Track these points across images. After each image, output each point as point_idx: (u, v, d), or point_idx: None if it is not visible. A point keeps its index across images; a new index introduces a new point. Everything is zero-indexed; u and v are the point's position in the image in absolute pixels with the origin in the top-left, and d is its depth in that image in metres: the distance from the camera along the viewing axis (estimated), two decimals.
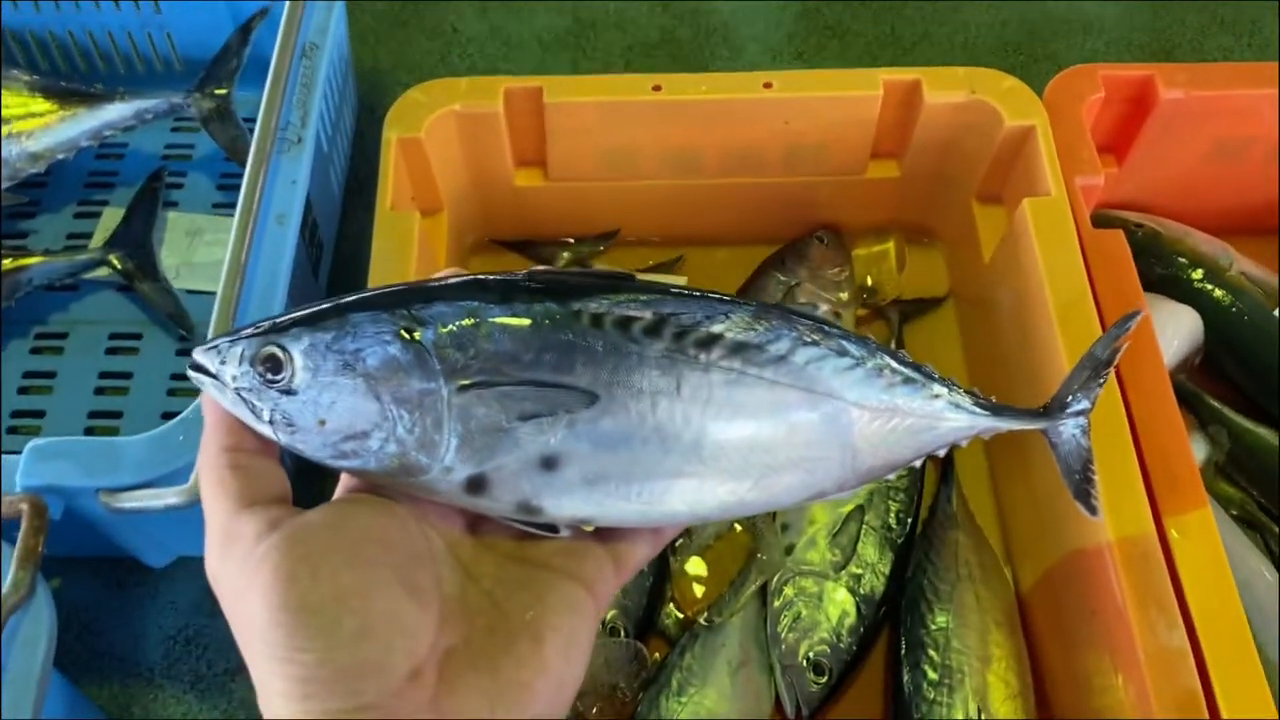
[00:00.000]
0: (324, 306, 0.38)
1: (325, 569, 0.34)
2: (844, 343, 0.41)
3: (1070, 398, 0.46)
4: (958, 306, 0.83)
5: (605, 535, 0.40)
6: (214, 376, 0.37)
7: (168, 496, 0.53)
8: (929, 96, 0.74)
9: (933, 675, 0.64)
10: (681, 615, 0.70)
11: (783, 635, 0.67)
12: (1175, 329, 0.74)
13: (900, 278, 0.83)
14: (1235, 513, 0.72)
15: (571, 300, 0.38)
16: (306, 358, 0.37)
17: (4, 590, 0.51)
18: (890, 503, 0.71)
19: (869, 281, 0.83)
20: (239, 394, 0.37)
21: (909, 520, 0.71)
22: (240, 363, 0.37)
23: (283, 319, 0.37)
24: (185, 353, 0.81)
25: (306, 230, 0.76)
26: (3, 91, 0.82)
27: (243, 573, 0.34)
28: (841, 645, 0.67)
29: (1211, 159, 0.80)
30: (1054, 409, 0.46)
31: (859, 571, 0.69)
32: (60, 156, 0.84)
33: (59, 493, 0.56)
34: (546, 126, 0.76)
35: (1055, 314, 0.65)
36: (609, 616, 0.68)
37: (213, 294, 0.62)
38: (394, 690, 0.33)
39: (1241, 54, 0.98)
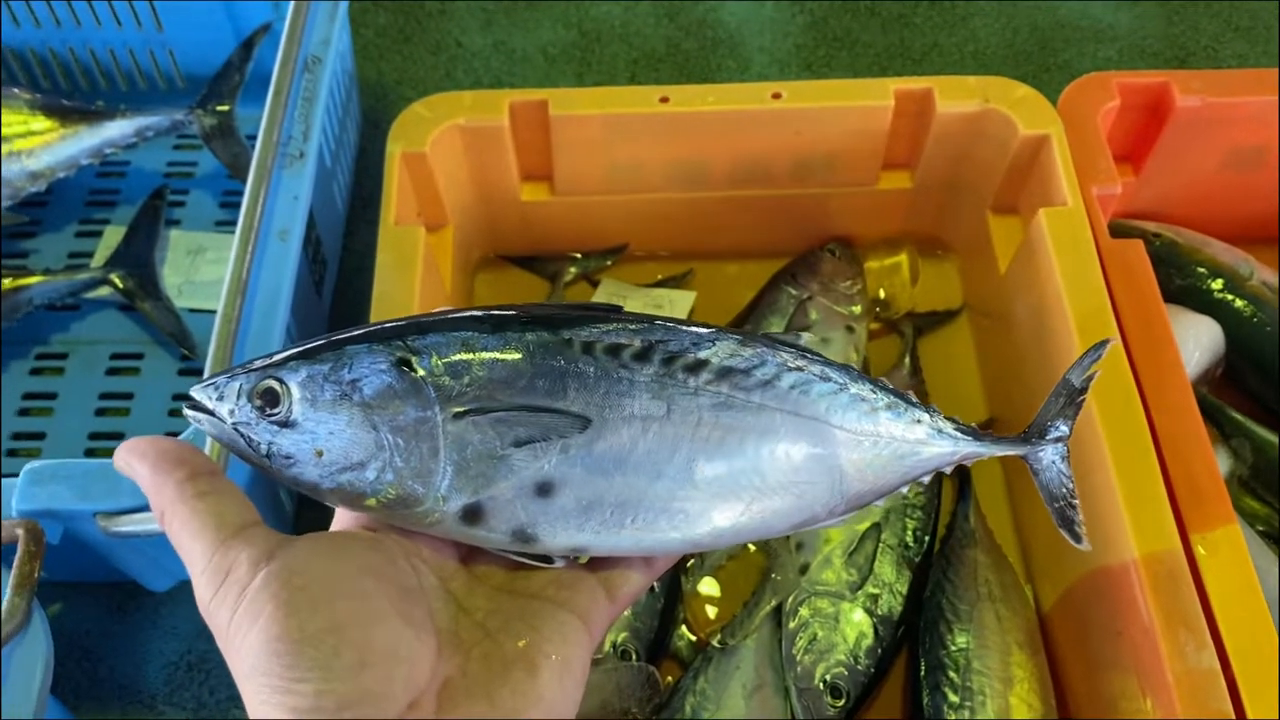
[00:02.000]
0: (319, 341, 0.38)
1: (324, 599, 0.34)
2: (826, 369, 0.42)
3: (1049, 424, 0.46)
4: (973, 319, 0.82)
5: (597, 566, 0.40)
6: (210, 413, 0.38)
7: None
8: (941, 106, 0.73)
9: (953, 698, 0.63)
10: (694, 637, 0.69)
11: (798, 657, 0.65)
12: (1195, 340, 0.73)
13: (914, 290, 0.82)
14: (1260, 528, 0.70)
15: (562, 329, 0.39)
16: (304, 389, 0.37)
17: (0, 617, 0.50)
18: (907, 520, 0.70)
19: (882, 294, 0.82)
20: (236, 429, 0.37)
21: (926, 538, 0.70)
22: (238, 398, 0.38)
23: (279, 355, 0.38)
24: (187, 372, 0.80)
25: (310, 246, 0.75)
26: (4, 110, 0.81)
27: (240, 605, 0.34)
28: (859, 667, 0.65)
29: (1229, 166, 0.78)
30: (1034, 434, 0.46)
31: (876, 591, 0.67)
32: (61, 175, 0.83)
33: (56, 516, 0.55)
34: (552, 140, 0.75)
35: (1075, 326, 0.64)
36: (620, 639, 0.66)
37: (215, 313, 0.61)
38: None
39: (1257, 60, 0.97)
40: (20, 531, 0.52)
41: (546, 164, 0.77)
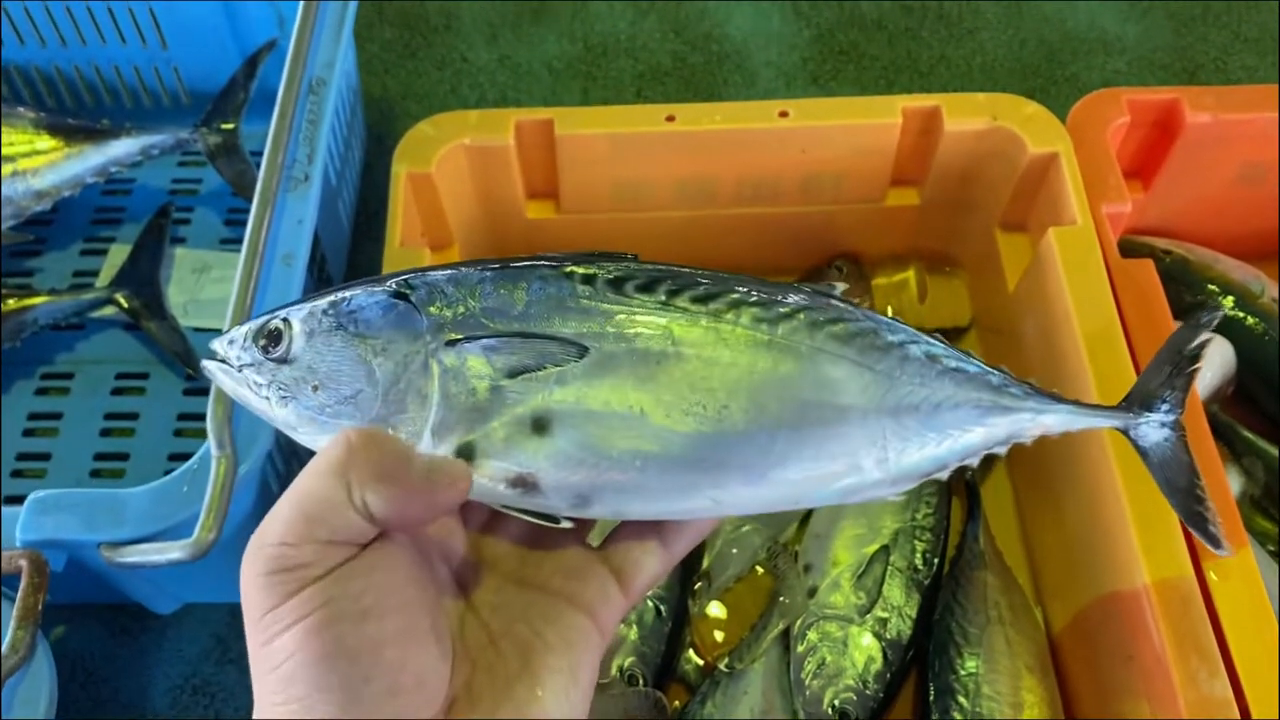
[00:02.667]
0: (330, 289, 0.39)
1: (374, 614, 0.32)
2: (868, 315, 0.39)
3: (1154, 395, 0.41)
4: (981, 337, 0.81)
5: (610, 550, 0.38)
6: (224, 361, 0.39)
7: (171, 551, 0.51)
8: (949, 124, 0.73)
9: None
10: (702, 661, 0.68)
11: (807, 682, 0.65)
12: (1207, 360, 0.71)
13: (922, 307, 0.82)
14: (1272, 548, 0.70)
15: (564, 263, 0.38)
16: (304, 324, 0.37)
17: (3, 650, 0.50)
18: (916, 542, 0.69)
19: (889, 311, 0.81)
20: (242, 371, 0.38)
21: (935, 560, 0.69)
22: (245, 340, 0.38)
23: (290, 302, 0.39)
24: (192, 392, 0.80)
25: (314, 266, 0.75)
26: (9, 129, 0.81)
27: (285, 605, 0.32)
28: (868, 692, 0.64)
29: (1240, 183, 0.78)
30: (1135, 403, 0.41)
31: (885, 615, 0.67)
32: (66, 193, 0.83)
33: (61, 546, 0.55)
34: (558, 158, 0.74)
35: (1084, 346, 0.64)
36: (627, 663, 0.66)
37: (220, 332, 0.61)
38: None
39: (1266, 73, 0.96)
40: (24, 563, 0.51)
41: (552, 182, 0.77)
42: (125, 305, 0.81)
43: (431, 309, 0.37)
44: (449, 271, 0.38)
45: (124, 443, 0.77)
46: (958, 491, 0.74)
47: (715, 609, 0.70)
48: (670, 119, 0.72)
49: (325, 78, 0.67)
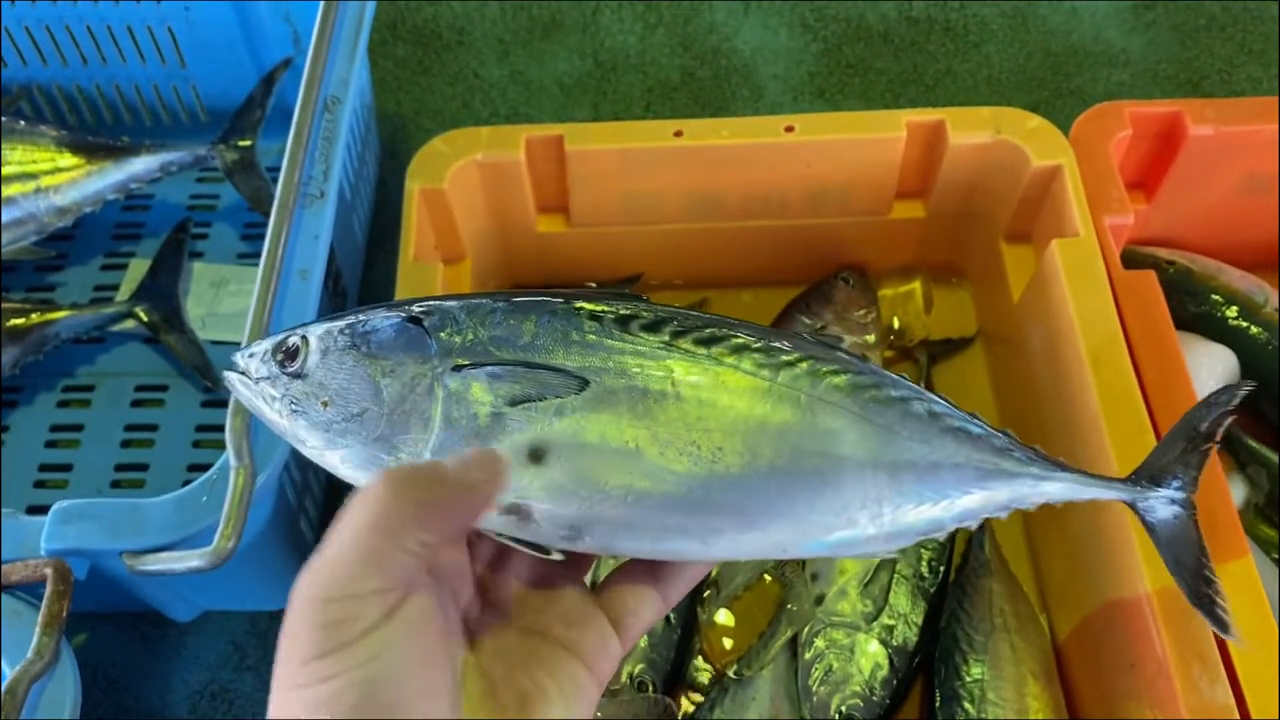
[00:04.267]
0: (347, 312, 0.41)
1: (397, 704, 0.32)
2: (880, 377, 0.39)
3: (1164, 471, 0.41)
4: (987, 347, 0.82)
5: (607, 598, 0.39)
6: (243, 374, 0.40)
7: (191, 559, 0.53)
8: (953, 137, 0.74)
9: None
10: (710, 668, 0.69)
11: (814, 689, 0.66)
12: (1210, 369, 0.73)
13: (927, 318, 0.82)
14: (1276, 556, 0.70)
15: (573, 299, 0.39)
16: (320, 341, 0.39)
17: (28, 657, 0.51)
18: (922, 551, 0.70)
19: (896, 322, 0.82)
20: (258, 384, 0.39)
21: (941, 569, 0.70)
22: (264, 355, 0.40)
23: (316, 319, 0.41)
24: (211, 404, 0.81)
25: (330, 280, 0.76)
26: (32, 147, 0.82)
27: (316, 690, 0.31)
28: (874, 699, 0.65)
29: (1243, 194, 0.79)
30: (1143, 478, 0.41)
31: (891, 622, 0.67)
32: (88, 210, 0.84)
33: (84, 555, 0.56)
34: (568, 173, 0.76)
35: (1087, 357, 0.64)
36: (636, 670, 0.67)
37: (238, 345, 0.62)
38: None
39: (1271, 85, 0.97)
40: (49, 571, 0.53)
41: (563, 197, 0.78)
42: (145, 319, 0.82)
43: (442, 334, 0.38)
44: (463, 301, 0.39)
45: (144, 453, 0.79)
46: None
47: (724, 617, 0.71)
48: (678, 134, 0.74)
49: (340, 95, 0.69)
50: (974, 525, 0.40)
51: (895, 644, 0.67)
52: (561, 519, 0.37)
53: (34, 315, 0.80)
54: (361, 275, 0.89)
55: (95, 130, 0.89)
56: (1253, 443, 0.73)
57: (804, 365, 0.38)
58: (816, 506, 0.37)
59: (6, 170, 0.82)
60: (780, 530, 0.37)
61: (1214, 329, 0.76)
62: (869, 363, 0.40)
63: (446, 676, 0.34)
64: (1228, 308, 0.77)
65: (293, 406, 0.38)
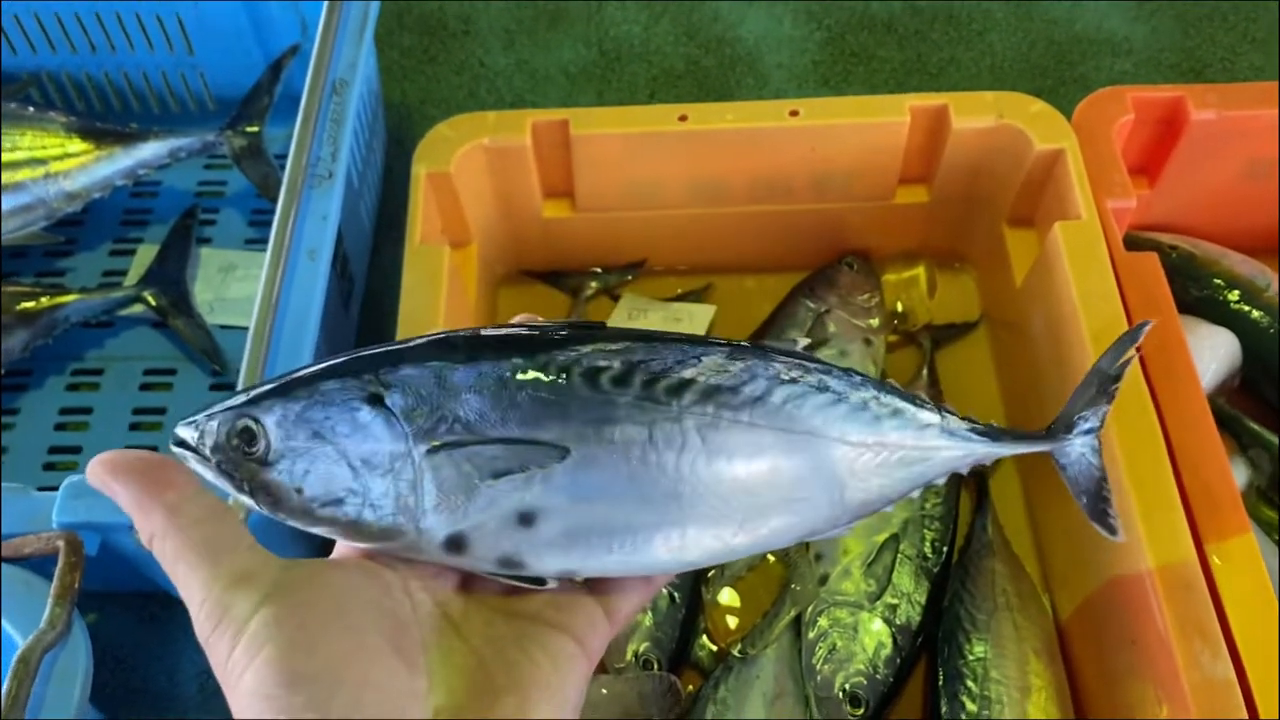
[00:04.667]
0: (295, 375, 0.38)
1: (322, 637, 0.34)
2: (825, 378, 0.40)
3: (1077, 417, 0.45)
4: (990, 331, 0.83)
5: (596, 586, 0.40)
6: (195, 450, 0.38)
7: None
8: (957, 122, 0.74)
9: (971, 707, 0.63)
10: (715, 647, 0.70)
11: (818, 667, 0.66)
12: (1212, 352, 0.73)
13: (931, 303, 0.83)
14: (1277, 538, 0.71)
15: (538, 353, 0.38)
16: (279, 428, 0.37)
17: (40, 627, 0.52)
18: (926, 531, 0.70)
19: (899, 307, 0.83)
20: (219, 467, 0.37)
21: (944, 549, 0.70)
22: (218, 436, 0.37)
23: (257, 390, 0.38)
24: (219, 388, 0.82)
25: (338, 264, 0.77)
26: (42, 133, 0.83)
27: (239, 643, 0.33)
28: (878, 677, 0.66)
29: (1245, 179, 0.79)
30: (1059, 430, 0.44)
31: (894, 601, 0.68)
32: (96, 195, 0.85)
33: (94, 528, 0.57)
34: (573, 158, 0.76)
35: (1090, 339, 0.65)
36: (642, 648, 0.67)
37: (245, 329, 0.63)
38: None
39: (1273, 72, 0.97)
40: (61, 543, 0.53)
41: (568, 181, 0.79)
42: (153, 303, 0.83)
43: (411, 415, 0.37)
44: (421, 366, 0.38)
45: (152, 436, 0.79)
46: (966, 482, 0.75)
47: (728, 596, 0.72)
48: (683, 119, 0.74)
49: (348, 78, 0.69)
50: (918, 494, 0.42)
51: (899, 623, 0.67)
52: (556, 565, 0.38)
53: (43, 299, 0.80)
54: (369, 262, 0.89)
55: (104, 117, 0.89)
56: (1254, 426, 0.73)
57: (771, 397, 0.39)
58: (787, 517, 0.40)
59: (17, 156, 0.82)
60: (754, 543, 0.39)
61: (1216, 313, 0.76)
62: (816, 365, 0.41)
63: (382, 645, 0.35)
64: (1230, 292, 0.77)
65: (267, 495, 0.37)
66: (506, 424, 0.37)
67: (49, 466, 0.79)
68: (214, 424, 0.37)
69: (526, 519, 0.37)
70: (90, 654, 0.54)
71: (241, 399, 0.38)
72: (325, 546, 0.40)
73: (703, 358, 0.39)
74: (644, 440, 0.37)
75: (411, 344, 0.38)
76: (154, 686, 0.72)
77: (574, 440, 0.37)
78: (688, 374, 0.38)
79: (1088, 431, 0.44)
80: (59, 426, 0.80)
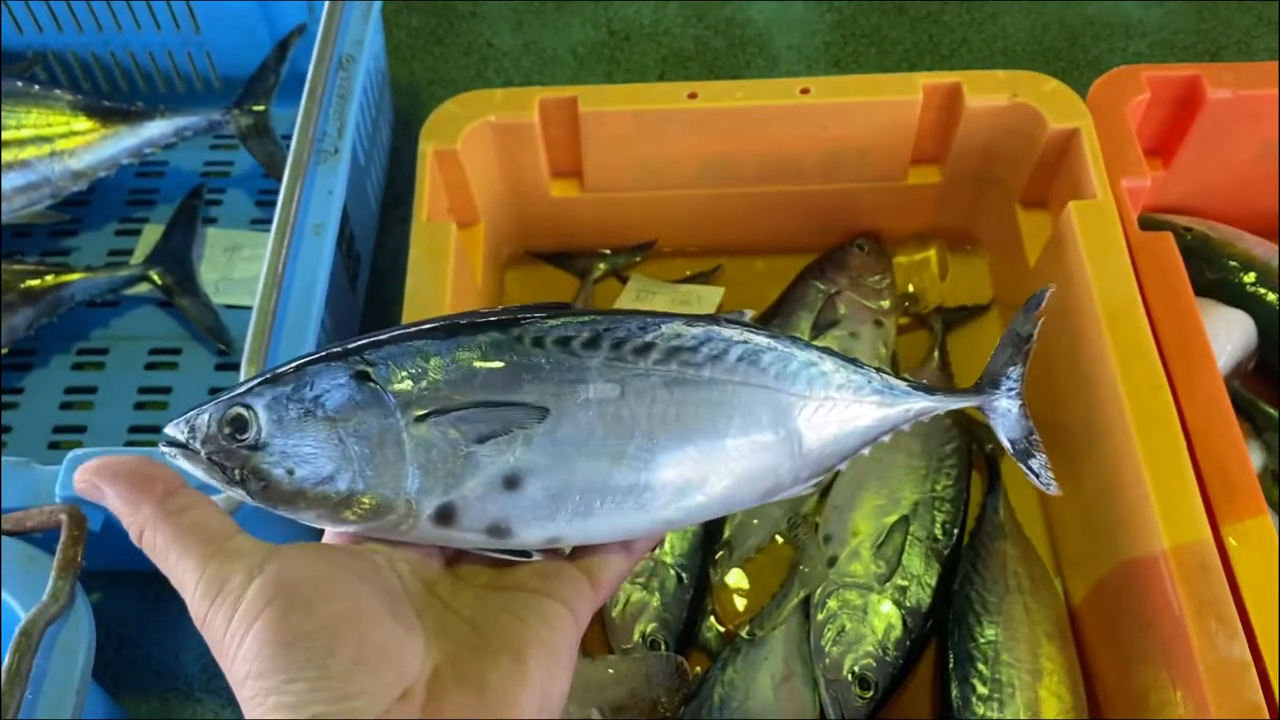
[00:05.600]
0: (281, 366, 0.40)
1: (318, 602, 0.35)
2: (772, 340, 0.43)
3: (1001, 373, 0.47)
4: (1002, 314, 0.82)
5: (578, 556, 0.41)
6: (185, 447, 0.39)
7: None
8: (970, 100, 0.73)
9: (982, 689, 0.63)
10: (723, 629, 0.69)
11: (827, 649, 0.65)
12: (1228, 334, 0.72)
13: (943, 285, 0.82)
14: None
15: (511, 327, 0.40)
16: (270, 411, 0.38)
17: (43, 600, 0.51)
18: (936, 513, 0.70)
19: (911, 289, 0.82)
20: (210, 459, 0.38)
21: (955, 531, 0.70)
22: (208, 428, 0.39)
23: (243, 384, 0.40)
24: (224, 367, 0.82)
25: (344, 242, 0.76)
26: (48, 111, 0.83)
27: (236, 613, 0.34)
28: (887, 659, 0.65)
29: (1261, 160, 0.78)
30: (986, 385, 0.48)
31: (904, 583, 0.67)
32: (102, 174, 0.85)
33: (98, 504, 0.56)
34: (582, 136, 0.75)
35: (1104, 320, 0.64)
36: (649, 629, 0.67)
37: (251, 308, 0.63)
38: (384, 711, 0.34)
39: None
40: (64, 516, 0.53)
41: (576, 161, 0.78)
42: (159, 282, 0.83)
43: (396, 386, 0.39)
44: (402, 345, 0.40)
45: (157, 415, 0.79)
46: (977, 464, 0.74)
47: (736, 578, 0.71)
48: (693, 96, 0.73)
49: (354, 54, 0.69)
50: (868, 451, 0.45)
51: (909, 605, 0.67)
52: (540, 530, 0.39)
53: (48, 277, 0.80)
54: (375, 242, 0.89)
55: (110, 97, 0.89)
56: (1270, 409, 0.73)
57: (729, 355, 0.42)
58: (752, 475, 0.42)
59: (22, 134, 0.82)
60: (725, 500, 0.42)
61: (1231, 295, 0.75)
62: (762, 331, 0.43)
63: (378, 608, 0.36)
64: (1245, 274, 0.76)
65: (258, 479, 0.38)
66: (487, 390, 0.39)
67: (53, 445, 0.78)
68: (204, 417, 0.39)
69: (512, 482, 0.39)
70: (93, 627, 0.53)
71: (229, 393, 0.39)
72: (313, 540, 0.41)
73: (662, 325, 0.41)
74: (616, 397, 0.40)
75: (391, 331, 0.40)
76: (157, 665, 0.72)
77: (552, 401, 0.39)
78: (650, 338, 0.41)
79: (1012, 388, 0.47)
80: (64, 405, 0.80)
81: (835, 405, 0.43)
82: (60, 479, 0.55)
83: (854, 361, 0.45)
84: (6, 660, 0.49)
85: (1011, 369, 0.47)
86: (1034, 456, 0.48)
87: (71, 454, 0.56)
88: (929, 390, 0.45)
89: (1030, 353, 0.47)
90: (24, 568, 0.53)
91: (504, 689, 0.36)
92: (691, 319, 0.42)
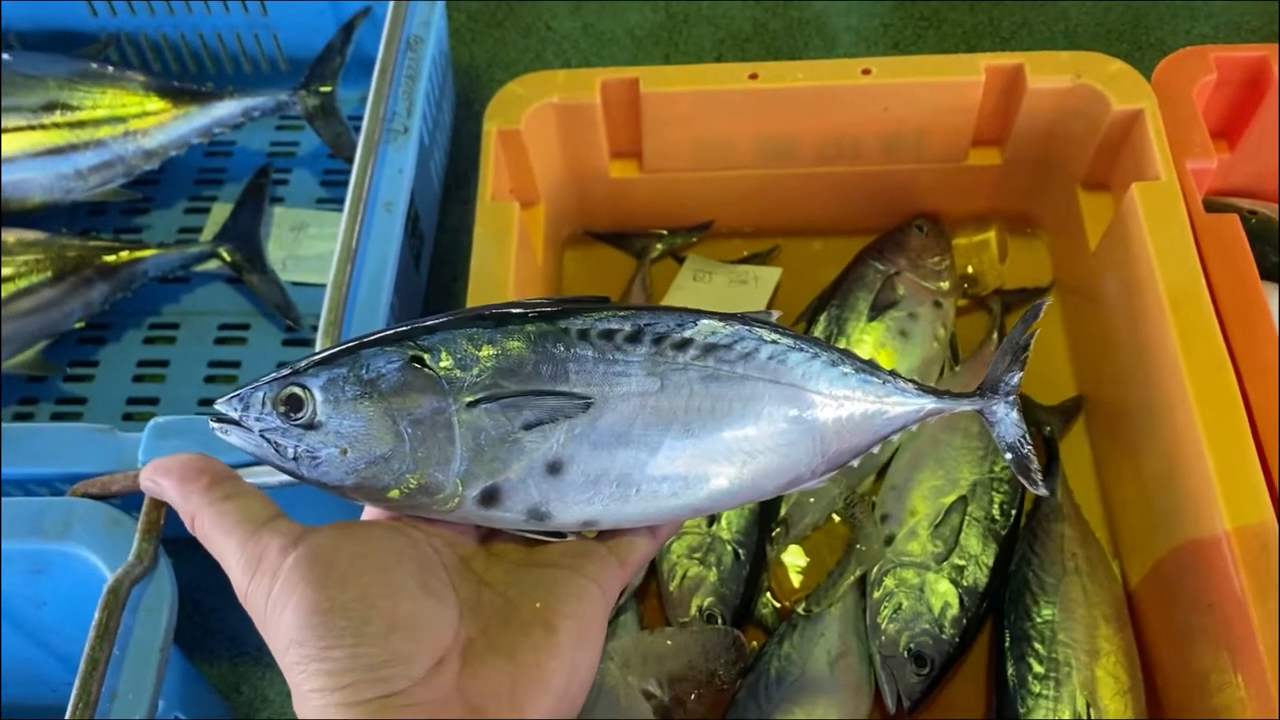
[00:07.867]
0: (335, 349, 0.41)
1: (351, 574, 0.37)
2: (799, 341, 0.45)
3: (1000, 380, 0.48)
4: (1062, 297, 0.81)
5: (606, 537, 0.43)
6: (237, 423, 0.41)
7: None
8: (1032, 82, 0.73)
9: (1038, 668, 0.63)
10: (778, 605, 0.70)
11: (883, 626, 0.66)
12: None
13: (1002, 267, 0.82)
14: None
15: (559, 320, 0.42)
16: (325, 392, 0.40)
17: (129, 560, 0.53)
18: (994, 494, 0.70)
19: (970, 271, 0.82)
20: (263, 436, 0.40)
21: (1013, 512, 0.70)
22: (263, 406, 0.41)
23: (298, 363, 0.41)
24: (291, 342, 0.84)
25: (409, 222, 0.77)
26: (122, 92, 0.85)
27: (275, 587, 0.37)
28: (944, 637, 0.65)
29: None
30: (987, 391, 0.49)
31: (961, 563, 0.68)
32: (173, 153, 0.87)
33: None
34: (642, 117, 0.76)
35: (1168, 303, 0.64)
36: (706, 603, 0.68)
37: (317, 286, 0.65)
38: (420, 678, 0.36)
39: None
40: None
41: (636, 141, 0.79)
42: (228, 259, 0.85)
43: (449, 372, 0.40)
44: (454, 331, 0.41)
45: (227, 389, 0.79)
46: (1035, 446, 0.74)
47: (793, 555, 0.72)
48: (753, 77, 0.74)
49: (422, 35, 0.70)
50: (878, 449, 0.47)
51: (965, 584, 0.67)
52: (579, 514, 0.41)
53: (123, 253, 0.82)
54: (437, 222, 0.90)
55: (180, 78, 0.91)
56: None
57: (760, 353, 0.44)
58: (781, 467, 0.44)
59: (98, 114, 0.84)
60: (747, 492, 0.44)
61: None
62: (787, 331, 0.45)
63: (409, 581, 0.38)
64: None
65: (311, 458, 0.40)
66: (535, 379, 0.41)
67: (127, 417, 0.81)
68: (259, 395, 0.41)
69: (554, 467, 0.41)
70: (175, 589, 0.55)
71: (283, 372, 0.41)
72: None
73: (698, 321, 0.43)
74: (656, 390, 0.42)
75: (441, 317, 0.42)
76: (229, 631, 0.74)
77: (596, 391, 0.41)
78: (688, 333, 0.43)
79: (1009, 395, 0.49)
80: (137, 378, 0.83)
81: (855, 404, 0.45)
82: (143, 445, 0.57)
83: (871, 364, 0.46)
84: (96, 617, 0.51)
85: (1009, 376, 0.48)
86: (1027, 459, 0.49)
87: (154, 421, 0.58)
88: (937, 393, 0.48)
89: (1027, 360, 0.48)
90: (108, 530, 0.55)
91: (535, 659, 0.38)
92: (723, 317, 0.44)
